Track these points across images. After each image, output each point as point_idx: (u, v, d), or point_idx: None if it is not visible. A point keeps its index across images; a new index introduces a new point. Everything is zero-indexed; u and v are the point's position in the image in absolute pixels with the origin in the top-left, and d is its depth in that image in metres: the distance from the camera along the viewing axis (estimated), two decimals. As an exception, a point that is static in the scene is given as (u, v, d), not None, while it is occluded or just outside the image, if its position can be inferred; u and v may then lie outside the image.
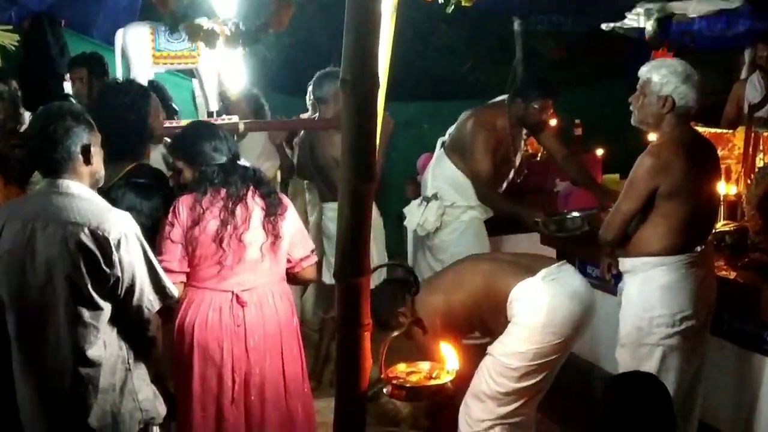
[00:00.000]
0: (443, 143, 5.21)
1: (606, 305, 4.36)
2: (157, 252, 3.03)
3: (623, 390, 2.57)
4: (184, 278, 3.17)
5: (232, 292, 3.21)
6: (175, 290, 2.81)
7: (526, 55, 7.71)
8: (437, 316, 3.45)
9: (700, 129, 4.86)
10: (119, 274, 2.59)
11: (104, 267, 2.56)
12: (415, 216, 5.06)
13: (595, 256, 4.23)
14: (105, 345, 2.65)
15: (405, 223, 5.19)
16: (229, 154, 3.26)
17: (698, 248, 3.48)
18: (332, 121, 4.78)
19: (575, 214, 4.59)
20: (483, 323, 3.55)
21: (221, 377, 3.18)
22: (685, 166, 3.36)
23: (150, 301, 2.70)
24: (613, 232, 3.52)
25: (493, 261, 3.77)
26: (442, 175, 5.10)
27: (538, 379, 3.47)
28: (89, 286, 2.56)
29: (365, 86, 2.13)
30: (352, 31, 2.09)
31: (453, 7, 2.27)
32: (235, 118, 4.48)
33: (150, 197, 3.25)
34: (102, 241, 2.55)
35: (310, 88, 5.04)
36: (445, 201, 5.02)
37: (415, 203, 5.16)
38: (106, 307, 2.62)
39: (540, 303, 3.40)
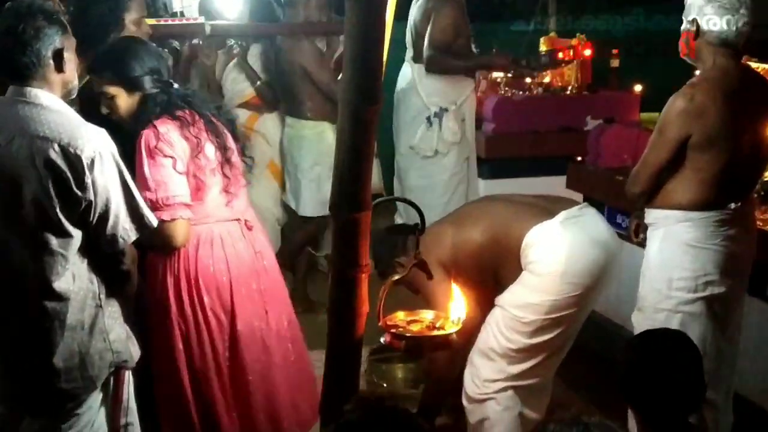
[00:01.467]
0: (412, 58, 5.62)
1: (635, 259, 4.36)
2: (153, 186, 3.02)
3: (647, 349, 2.56)
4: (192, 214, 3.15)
5: (238, 220, 3.29)
6: (154, 220, 2.78)
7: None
8: (442, 260, 3.43)
9: (754, 64, 4.81)
10: (92, 198, 2.55)
11: (75, 189, 2.52)
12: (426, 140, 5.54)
13: (629, 205, 4.21)
14: (74, 277, 2.64)
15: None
16: (167, 76, 3.22)
17: (732, 205, 3.39)
18: (306, 26, 4.98)
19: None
20: (494, 271, 3.50)
21: (255, 310, 3.27)
22: (723, 111, 3.25)
23: (125, 230, 2.67)
24: (641, 185, 3.45)
25: (507, 202, 3.71)
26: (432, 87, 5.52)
27: (553, 334, 3.43)
28: (57, 210, 2.53)
29: (373, -7, 2.09)
30: None
31: None
32: (201, 18, 4.48)
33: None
34: (73, 160, 2.51)
35: None
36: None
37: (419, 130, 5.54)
38: (77, 234, 2.59)
39: (558, 248, 3.34)
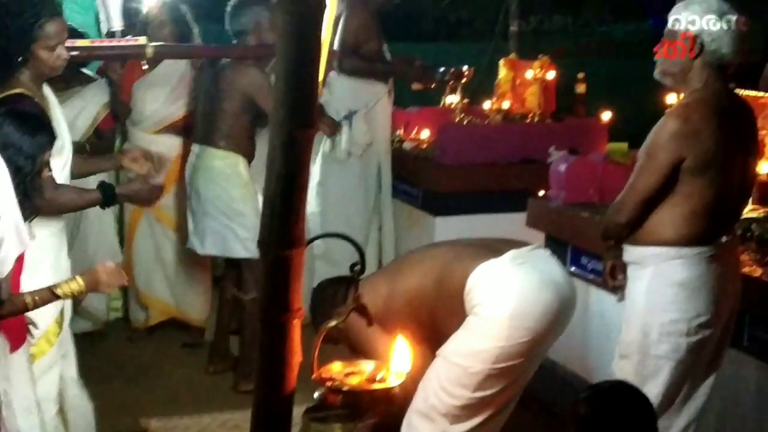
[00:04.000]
0: None
1: (602, 304, 4.40)
2: None
3: (601, 403, 2.59)
4: None
5: None
6: None
7: (521, -10, 7.71)
8: (377, 313, 3.41)
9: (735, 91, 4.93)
10: None
11: None
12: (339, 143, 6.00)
13: (597, 245, 4.25)
14: None
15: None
16: None
17: (724, 238, 3.48)
18: (255, 50, 5.10)
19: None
20: (434, 320, 3.46)
21: None
22: (718, 134, 3.34)
23: None
24: (627, 214, 3.49)
25: (450, 244, 3.76)
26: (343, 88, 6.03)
27: (500, 387, 3.39)
28: None
29: (308, 5, 2.09)
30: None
31: None
32: (142, 40, 4.48)
33: (35, 134, 3.20)
34: None
35: (227, 22, 5.17)
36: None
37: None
38: None
39: (506, 289, 3.33)
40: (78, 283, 3.26)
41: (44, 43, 3.58)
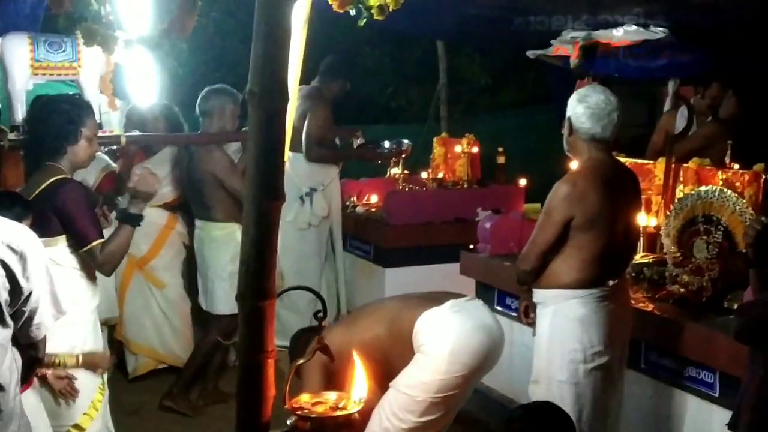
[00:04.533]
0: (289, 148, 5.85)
1: (523, 336, 4.43)
2: None
3: (531, 420, 2.60)
4: None
5: None
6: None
7: (450, 80, 7.83)
8: (336, 352, 3.40)
9: (623, 159, 5.02)
10: (32, 288, 2.52)
11: (21, 280, 2.48)
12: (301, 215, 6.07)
13: (516, 288, 4.29)
14: (8, 369, 2.54)
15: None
16: None
17: (611, 282, 3.51)
18: (219, 136, 5.01)
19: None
20: (387, 359, 3.49)
21: None
22: (601, 196, 3.41)
23: (47, 317, 2.64)
24: (531, 263, 3.55)
25: (399, 297, 3.80)
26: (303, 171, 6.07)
27: (440, 413, 3.43)
28: (3, 302, 2.46)
29: (273, 99, 2.12)
30: (260, 42, 2.08)
31: (365, 20, 2.27)
32: (116, 131, 4.47)
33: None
34: (19, 253, 2.48)
35: (198, 101, 5.13)
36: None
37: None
38: (12, 325, 2.53)
39: (446, 332, 3.38)
40: (76, 361, 3.30)
41: (87, 134, 3.53)
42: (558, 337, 3.51)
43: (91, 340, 3.58)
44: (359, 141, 6.63)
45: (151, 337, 5.56)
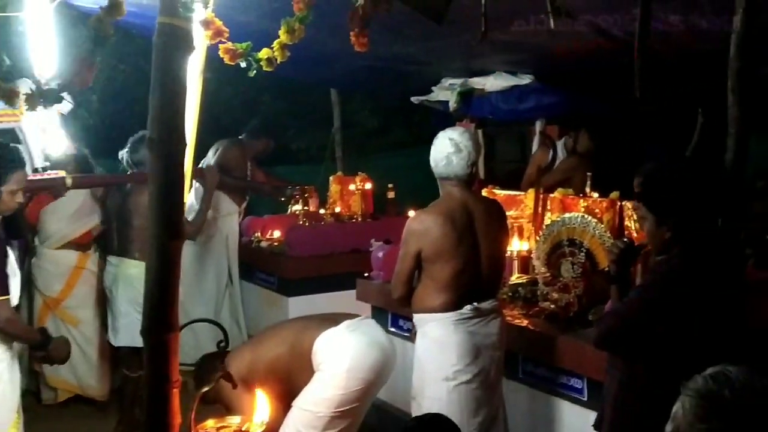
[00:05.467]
0: None
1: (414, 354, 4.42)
2: None
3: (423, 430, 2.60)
4: None
5: None
6: None
7: (343, 124, 7.87)
8: (242, 375, 3.35)
9: (498, 192, 5.13)
10: None
11: None
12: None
13: (406, 311, 4.30)
14: None
15: None
16: None
17: (469, 306, 3.48)
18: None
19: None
20: (289, 378, 3.44)
21: None
22: (445, 230, 3.39)
23: None
24: (398, 292, 3.56)
25: (297, 319, 3.77)
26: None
27: (342, 426, 3.40)
28: None
29: (172, 146, 2.08)
30: (157, 92, 2.05)
31: (255, 72, 2.26)
32: (62, 173, 4.34)
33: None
34: None
35: (123, 152, 5.00)
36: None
37: None
38: None
39: (344, 350, 3.36)
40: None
41: (9, 189, 3.40)
42: (426, 357, 3.51)
43: (7, 376, 3.41)
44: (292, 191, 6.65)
45: (66, 373, 5.33)
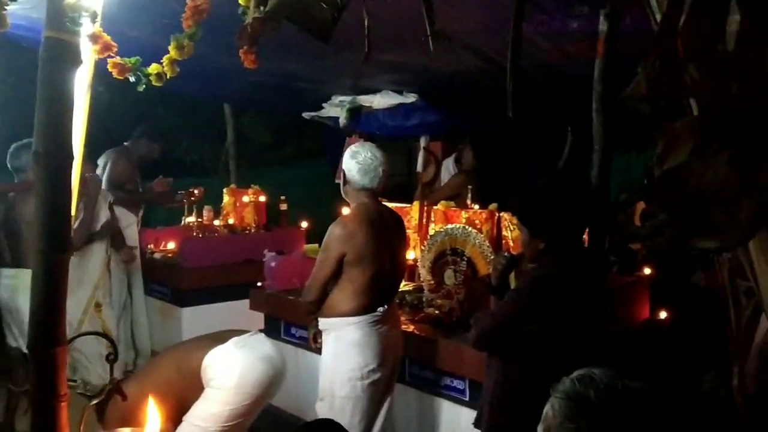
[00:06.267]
0: None
1: (307, 361, 4.40)
2: None
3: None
4: None
5: None
6: None
7: (237, 138, 7.75)
8: (136, 398, 3.22)
9: (386, 204, 5.16)
10: None
11: None
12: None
13: (300, 319, 4.27)
14: None
15: None
16: None
17: (380, 309, 3.59)
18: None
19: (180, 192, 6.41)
20: (180, 400, 3.33)
21: None
22: (367, 235, 3.49)
23: None
24: (313, 295, 3.58)
25: (189, 340, 3.66)
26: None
27: None
28: None
29: (58, 159, 1.98)
30: (43, 105, 1.94)
31: (144, 86, 2.18)
32: None
33: None
34: None
35: (8, 159, 4.74)
36: None
37: None
38: None
39: (232, 366, 3.28)
40: None
41: None
42: (339, 359, 3.54)
43: None
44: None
45: None
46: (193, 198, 6.41)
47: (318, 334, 3.73)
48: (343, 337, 3.54)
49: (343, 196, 3.70)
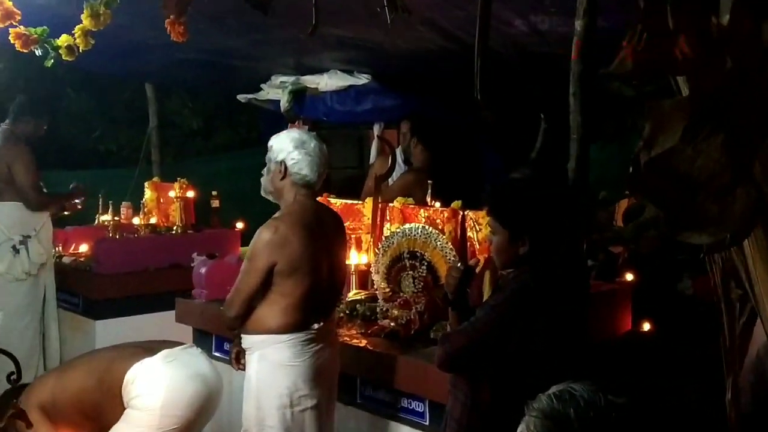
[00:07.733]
0: None
1: (242, 380, 4.36)
2: None
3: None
4: None
5: None
6: None
7: (161, 123, 7.67)
8: (43, 404, 3.16)
9: (333, 200, 5.16)
10: None
11: None
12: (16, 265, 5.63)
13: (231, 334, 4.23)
14: None
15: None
16: None
17: (316, 325, 3.51)
18: None
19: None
20: (98, 414, 3.28)
21: None
22: (303, 241, 3.39)
23: None
24: (235, 310, 3.48)
25: (110, 348, 3.58)
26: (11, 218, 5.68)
27: None
28: None
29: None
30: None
31: (53, 61, 2.15)
32: None
33: None
34: None
35: None
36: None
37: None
38: None
39: (158, 383, 3.22)
40: None
41: None
42: (265, 383, 3.46)
43: None
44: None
45: None
46: (76, 202, 6.18)
47: (241, 353, 3.64)
48: (269, 358, 3.45)
49: (267, 192, 3.59)
